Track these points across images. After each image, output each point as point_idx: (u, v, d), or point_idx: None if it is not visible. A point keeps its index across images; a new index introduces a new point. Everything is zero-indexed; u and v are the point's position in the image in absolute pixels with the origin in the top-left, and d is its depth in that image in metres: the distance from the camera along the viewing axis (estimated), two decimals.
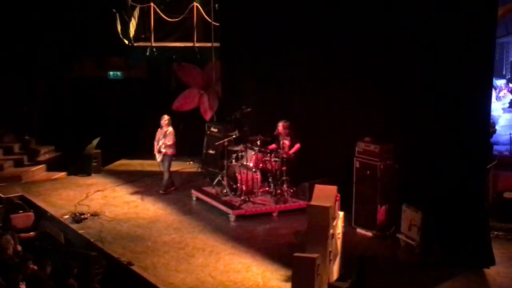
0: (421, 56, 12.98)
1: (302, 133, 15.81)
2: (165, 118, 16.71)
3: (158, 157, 16.72)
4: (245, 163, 15.53)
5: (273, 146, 15.55)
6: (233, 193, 15.58)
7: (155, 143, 16.72)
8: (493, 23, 11.99)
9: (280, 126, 15.54)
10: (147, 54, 20.25)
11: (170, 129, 16.62)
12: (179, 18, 19.85)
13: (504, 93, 19.94)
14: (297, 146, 15.42)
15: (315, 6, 15.32)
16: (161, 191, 16.78)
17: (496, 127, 17.47)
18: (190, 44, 19.94)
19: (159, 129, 16.73)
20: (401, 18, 13.32)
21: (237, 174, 15.56)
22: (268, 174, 15.55)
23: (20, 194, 16.65)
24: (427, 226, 12.60)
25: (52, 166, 19.47)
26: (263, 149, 15.42)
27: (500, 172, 14.79)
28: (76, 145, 19.58)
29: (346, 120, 14.84)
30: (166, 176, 16.88)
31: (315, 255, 10.31)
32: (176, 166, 18.18)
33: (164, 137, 16.51)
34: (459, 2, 12.23)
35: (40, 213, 15.51)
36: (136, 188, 17.32)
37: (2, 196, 16.44)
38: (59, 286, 10.94)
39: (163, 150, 16.59)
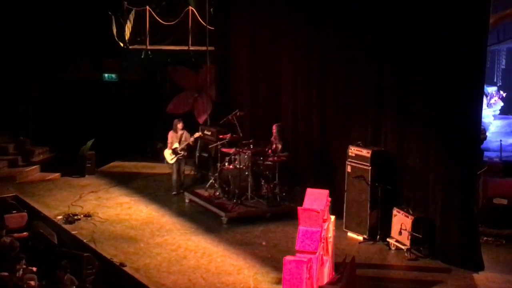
0: (413, 62, 12.99)
1: (295, 137, 15.82)
2: (180, 121, 16.80)
3: (172, 159, 16.75)
4: (237, 166, 15.52)
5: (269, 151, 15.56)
6: (225, 195, 15.59)
7: (169, 145, 16.76)
8: (484, 31, 12.02)
9: (274, 129, 15.57)
10: (142, 57, 20.26)
11: (186, 132, 16.74)
12: (174, 22, 19.87)
13: (495, 100, 19.99)
14: (286, 154, 15.43)
15: (309, 12, 15.34)
16: (180, 191, 16.88)
17: (487, 133, 17.50)
18: (185, 48, 19.95)
19: (172, 132, 16.76)
20: (393, 26, 13.34)
21: (229, 177, 15.57)
22: (261, 178, 15.56)
23: (14, 194, 16.63)
24: (417, 231, 12.61)
25: (46, 166, 19.45)
26: (255, 152, 15.45)
27: (490, 178, 14.80)
28: (71, 146, 19.60)
29: (339, 125, 14.84)
30: (182, 177, 17.04)
31: (305, 259, 10.30)
32: (169, 168, 18.18)
33: (180, 140, 16.60)
34: (451, 10, 12.24)
35: (34, 213, 15.47)
36: (130, 190, 17.30)
37: None
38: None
39: (181, 153, 16.66)
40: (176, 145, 16.70)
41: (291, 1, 15.98)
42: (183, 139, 16.70)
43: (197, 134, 16.93)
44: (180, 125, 16.79)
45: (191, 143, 16.85)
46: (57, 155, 20.39)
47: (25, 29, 20.65)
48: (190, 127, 18.44)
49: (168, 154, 16.83)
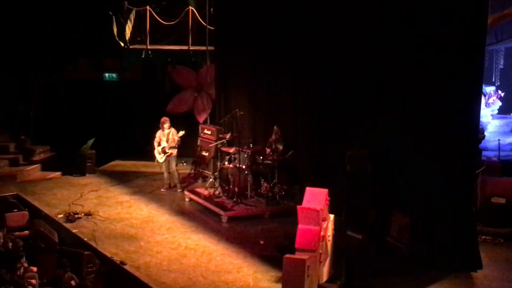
0: (412, 62, 12.98)
1: (295, 136, 15.82)
2: (166, 120, 16.76)
3: (161, 158, 16.75)
4: (237, 165, 15.54)
5: (267, 150, 15.58)
6: (225, 194, 15.60)
7: (156, 144, 16.75)
8: (483, 31, 12.02)
9: (275, 131, 15.59)
10: (142, 56, 20.27)
11: (173, 130, 16.67)
12: (174, 22, 19.88)
13: (493, 100, 20.05)
14: (290, 154, 15.46)
15: (308, 15, 15.32)
16: (179, 190, 16.90)
17: (485, 133, 17.54)
18: (185, 47, 19.97)
19: (160, 131, 16.74)
20: (392, 28, 13.33)
21: (229, 176, 15.58)
22: (260, 177, 15.57)
23: (15, 193, 16.65)
24: (416, 230, 12.62)
25: (47, 165, 19.47)
26: (255, 152, 15.47)
27: (488, 178, 14.82)
28: (71, 145, 19.61)
29: (338, 124, 14.82)
30: (176, 175, 16.99)
31: (305, 257, 10.32)
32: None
33: (167, 139, 16.57)
34: (450, 11, 12.24)
35: (35, 212, 15.48)
36: (130, 189, 17.32)
37: None
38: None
39: (169, 151, 16.63)
40: (164, 144, 16.70)
41: (290, 2, 15.96)
42: (170, 137, 16.68)
43: (181, 133, 16.84)
44: (166, 124, 16.76)
45: (175, 141, 16.70)
46: (58, 154, 20.41)
47: (26, 28, 20.64)
48: (191, 126, 18.51)
49: (157, 153, 16.85)
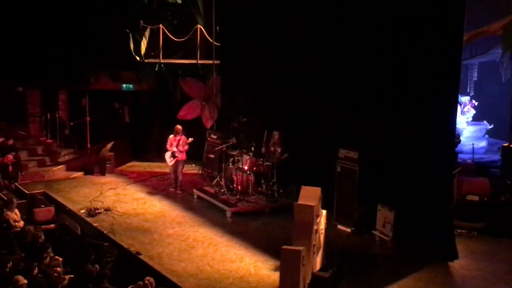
0: (397, 74, 13.02)
1: (292, 140, 15.83)
2: (179, 127, 16.74)
3: (171, 161, 16.70)
4: (240, 166, 15.57)
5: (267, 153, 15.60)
6: (229, 192, 15.62)
7: (168, 148, 16.71)
8: (459, 47, 12.06)
9: (275, 135, 15.61)
10: (156, 69, 20.29)
11: (183, 137, 16.65)
12: (184, 38, 19.92)
13: (468, 109, 20.10)
14: (286, 156, 15.47)
15: (303, 30, 15.34)
16: (178, 191, 16.74)
17: (461, 138, 17.58)
18: (194, 61, 19.99)
19: (172, 136, 16.71)
20: (378, 40, 13.36)
21: (233, 176, 15.61)
22: (261, 177, 15.59)
23: (42, 190, 16.67)
24: (399, 224, 12.64)
25: (71, 166, 19.48)
26: (256, 154, 15.49)
27: (463, 178, 14.88)
28: (93, 148, 19.58)
29: (330, 129, 14.83)
30: (180, 178, 16.86)
31: (300, 248, 10.34)
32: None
33: (177, 144, 16.55)
34: (430, 29, 12.29)
35: (60, 207, 15.51)
36: (145, 187, 17.33)
37: (26, 192, 16.49)
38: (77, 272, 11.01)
39: (178, 156, 16.59)
40: (174, 149, 16.66)
41: (288, 13, 15.94)
42: (180, 143, 16.65)
43: (190, 139, 16.80)
44: (180, 131, 16.72)
45: (182, 148, 16.63)
46: (81, 156, 20.43)
47: (55, 46, 20.63)
48: (199, 132, 18.54)
49: (168, 157, 16.80)
